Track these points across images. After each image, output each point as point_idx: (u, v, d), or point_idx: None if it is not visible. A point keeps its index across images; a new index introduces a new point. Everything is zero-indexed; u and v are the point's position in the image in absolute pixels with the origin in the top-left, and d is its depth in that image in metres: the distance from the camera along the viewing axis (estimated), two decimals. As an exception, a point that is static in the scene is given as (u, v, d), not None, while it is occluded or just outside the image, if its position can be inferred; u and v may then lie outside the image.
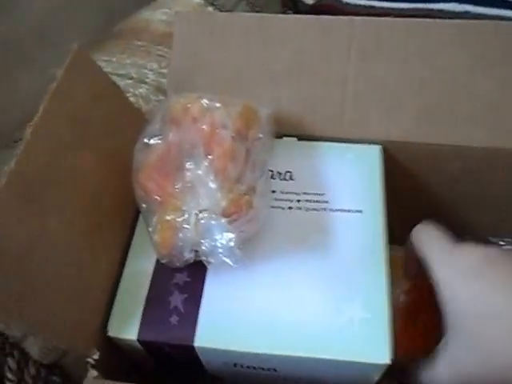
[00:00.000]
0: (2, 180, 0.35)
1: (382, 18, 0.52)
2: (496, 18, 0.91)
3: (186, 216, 0.41)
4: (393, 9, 0.97)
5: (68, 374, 0.52)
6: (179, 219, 0.41)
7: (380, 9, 0.97)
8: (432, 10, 0.94)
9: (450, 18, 0.89)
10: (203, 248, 0.41)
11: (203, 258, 0.43)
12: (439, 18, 0.89)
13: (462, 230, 0.62)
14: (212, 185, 0.41)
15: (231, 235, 0.40)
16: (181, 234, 0.41)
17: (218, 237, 0.40)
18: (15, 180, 0.36)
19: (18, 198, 0.36)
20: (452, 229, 0.63)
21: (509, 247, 0.62)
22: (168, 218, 0.42)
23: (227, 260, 0.41)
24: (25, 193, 0.37)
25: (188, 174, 0.42)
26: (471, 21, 0.52)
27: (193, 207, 0.41)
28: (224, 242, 0.40)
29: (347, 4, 1.00)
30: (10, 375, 0.48)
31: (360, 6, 0.98)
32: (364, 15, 0.92)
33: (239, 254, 0.41)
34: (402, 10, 0.96)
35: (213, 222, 0.41)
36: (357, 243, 0.45)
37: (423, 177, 0.56)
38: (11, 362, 0.49)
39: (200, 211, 0.41)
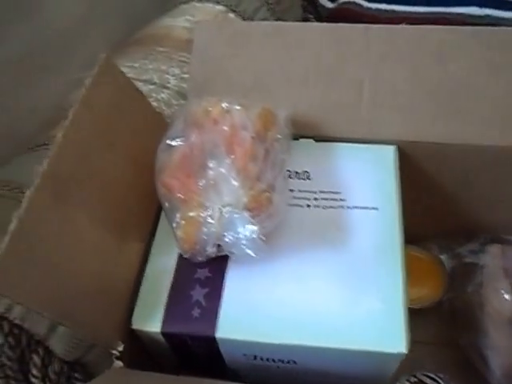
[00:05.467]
0: (36, 180, 0.37)
1: (397, 26, 0.54)
2: (516, 21, 0.91)
3: (210, 211, 0.43)
4: (413, 12, 0.98)
5: (89, 372, 0.54)
6: (203, 214, 0.43)
7: (400, 13, 0.98)
8: (451, 13, 0.94)
9: (469, 21, 0.90)
10: (226, 240, 0.43)
11: (227, 251, 0.44)
12: (459, 21, 0.90)
13: (477, 229, 0.64)
14: (234, 182, 0.43)
15: (254, 227, 0.42)
16: (205, 229, 0.43)
17: (240, 229, 0.42)
18: (48, 180, 0.38)
19: (49, 197, 0.39)
20: (467, 227, 0.64)
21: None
22: (192, 214, 0.44)
23: (249, 251, 0.43)
24: (56, 192, 0.39)
25: (211, 172, 0.44)
26: (481, 27, 0.54)
27: (216, 203, 0.43)
28: (247, 233, 0.42)
29: (368, 8, 1.01)
30: (34, 371, 0.51)
31: (380, 10, 0.99)
32: (384, 19, 0.94)
33: (261, 245, 0.43)
34: (422, 13, 0.97)
35: (236, 216, 0.42)
36: (373, 238, 0.47)
37: (437, 176, 0.57)
38: (36, 359, 0.51)
39: (223, 206, 0.43)
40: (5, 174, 0.62)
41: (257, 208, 0.43)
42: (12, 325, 0.50)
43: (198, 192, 0.44)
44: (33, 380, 0.51)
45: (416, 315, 0.63)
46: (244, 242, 0.43)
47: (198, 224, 0.44)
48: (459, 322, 0.62)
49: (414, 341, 0.61)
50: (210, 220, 0.43)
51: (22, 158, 0.64)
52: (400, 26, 0.54)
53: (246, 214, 0.42)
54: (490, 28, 0.54)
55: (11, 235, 0.35)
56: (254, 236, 0.42)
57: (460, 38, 0.53)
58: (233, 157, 0.44)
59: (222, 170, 0.44)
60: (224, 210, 0.43)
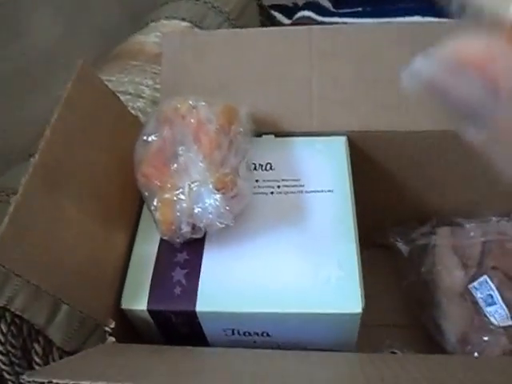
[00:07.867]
0: (29, 169, 0.42)
1: (337, 26, 0.60)
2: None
3: (181, 189, 0.49)
4: (363, 24, 1.04)
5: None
6: (176, 192, 0.49)
7: (352, 24, 1.05)
8: (398, 23, 1.01)
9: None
10: (196, 212, 0.48)
11: (199, 224, 0.49)
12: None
13: (428, 213, 0.69)
14: (201, 164, 0.48)
15: (217, 195, 0.47)
16: (178, 206, 0.48)
17: (207, 200, 0.48)
18: (39, 170, 0.43)
19: (41, 186, 0.43)
20: (419, 212, 0.69)
21: (471, 225, 0.68)
22: (167, 196, 0.49)
23: (217, 223, 0.48)
24: (47, 181, 0.44)
25: (181, 158, 0.50)
26: (406, 24, 0.59)
27: (186, 180, 0.49)
28: (212, 201, 0.47)
29: (322, 22, 1.08)
30: (37, 359, 0.55)
31: (333, 23, 1.06)
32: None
33: (226, 214, 0.48)
34: (371, 24, 1.04)
35: (203, 189, 0.48)
36: (330, 216, 0.53)
37: (386, 164, 0.63)
38: (37, 347, 0.55)
39: (192, 182, 0.48)
40: (0, 182, 0.66)
41: (223, 188, 0.48)
42: (14, 315, 0.54)
43: (171, 175, 0.50)
44: (36, 367, 0.55)
45: (381, 301, 0.69)
46: (210, 210, 0.48)
47: (172, 203, 0.48)
48: (418, 302, 0.67)
49: (380, 324, 0.66)
50: (181, 196, 0.48)
51: (16, 169, 0.68)
52: (339, 26, 0.59)
53: (211, 186, 0.48)
54: (415, 22, 0.60)
55: (10, 216, 0.39)
56: (218, 204, 0.47)
57: (390, 35, 0.59)
58: (199, 143, 0.49)
59: (191, 155, 0.49)
60: (192, 185, 0.48)
